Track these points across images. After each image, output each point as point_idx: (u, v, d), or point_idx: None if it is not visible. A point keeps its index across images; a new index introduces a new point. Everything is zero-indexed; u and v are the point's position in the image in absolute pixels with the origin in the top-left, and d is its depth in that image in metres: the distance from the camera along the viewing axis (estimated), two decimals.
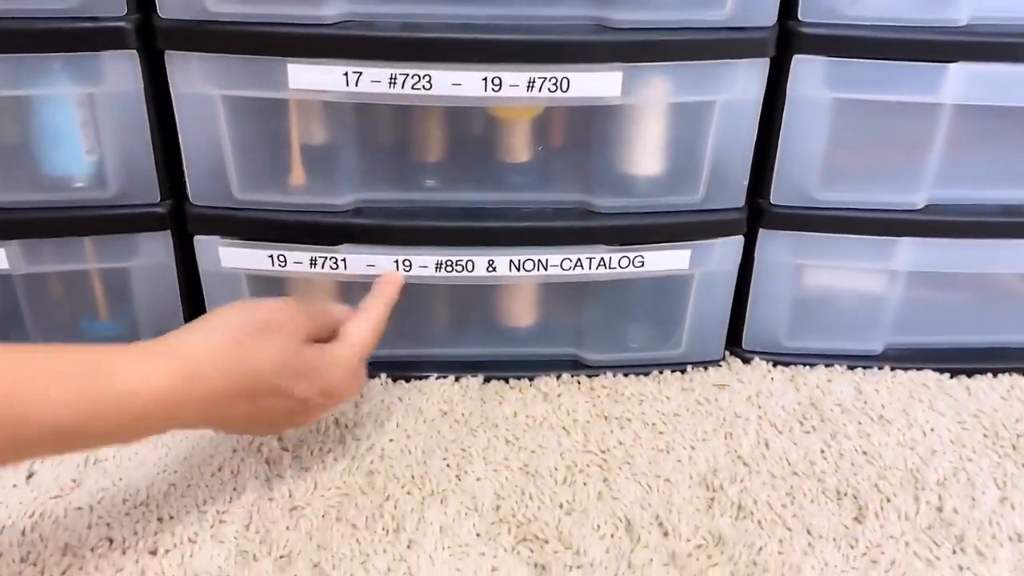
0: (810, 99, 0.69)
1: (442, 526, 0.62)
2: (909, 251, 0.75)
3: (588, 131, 0.71)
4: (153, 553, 0.60)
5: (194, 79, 0.66)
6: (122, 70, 0.66)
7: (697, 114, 0.69)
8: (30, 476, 0.66)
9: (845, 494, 0.67)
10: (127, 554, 0.60)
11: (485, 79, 0.64)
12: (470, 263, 0.72)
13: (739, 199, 0.73)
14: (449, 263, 0.72)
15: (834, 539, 0.63)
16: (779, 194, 0.74)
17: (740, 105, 0.69)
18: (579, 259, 0.71)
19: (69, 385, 0.49)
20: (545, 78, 0.65)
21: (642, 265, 0.72)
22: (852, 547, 0.62)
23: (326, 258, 0.71)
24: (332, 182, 0.71)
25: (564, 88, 0.65)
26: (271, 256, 0.72)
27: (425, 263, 0.71)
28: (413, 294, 0.70)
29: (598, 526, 0.62)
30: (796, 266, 0.78)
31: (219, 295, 0.74)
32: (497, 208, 0.73)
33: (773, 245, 0.76)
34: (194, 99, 0.67)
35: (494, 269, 0.72)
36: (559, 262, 0.72)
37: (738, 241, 0.74)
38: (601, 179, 0.72)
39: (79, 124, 0.69)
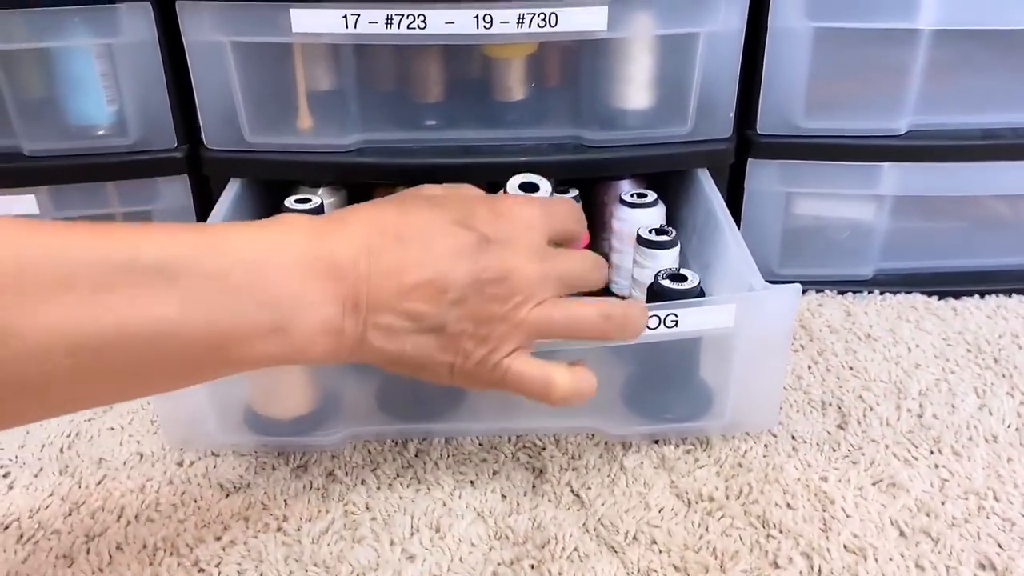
0: (791, 29, 0.72)
1: None
2: (893, 176, 0.78)
3: (579, 68, 0.74)
4: (180, 464, 0.65)
5: (204, 27, 0.70)
6: (137, 21, 0.70)
7: (682, 47, 0.72)
8: None
9: (830, 404, 0.70)
10: (156, 466, 0.65)
11: (476, 16, 0.68)
12: None
13: (727, 130, 0.76)
14: None
15: (817, 443, 0.66)
16: (765, 124, 0.77)
17: (723, 36, 0.72)
18: None
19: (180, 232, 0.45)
20: (534, 14, 0.68)
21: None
22: (834, 450, 0.66)
23: None
24: (337, 124, 0.75)
25: (553, 23, 0.68)
26: None
27: None
28: None
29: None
30: (785, 194, 0.81)
31: None
32: (495, 145, 0.76)
33: (761, 174, 0.79)
34: (205, 47, 0.71)
35: None
36: None
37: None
38: (593, 114, 0.75)
39: (99, 74, 0.73)
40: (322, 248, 0.48)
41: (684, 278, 0.63)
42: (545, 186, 0.60)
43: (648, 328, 0.59)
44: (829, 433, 0.67)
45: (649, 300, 0.64)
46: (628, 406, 0.66)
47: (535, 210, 0.55)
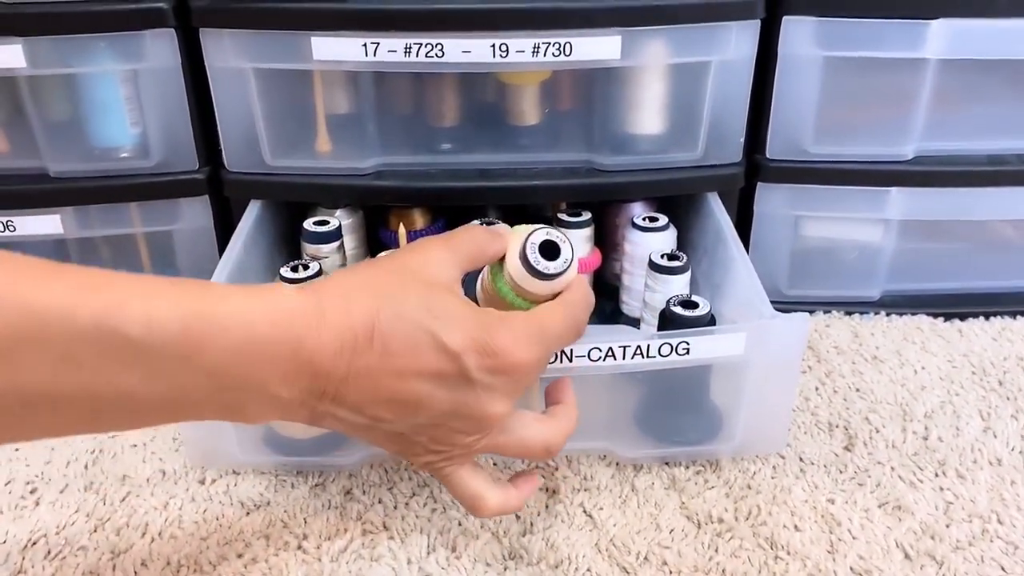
0: (801, 57, 0.74)
1: None
2: (900, 200, 0.80)
3: (592, 94, 0.76)
4: (202, 482, 0.66)
5: (227, 54, 0.72)
6: (161, 47, 0.72)
7: (694, 75, 0.74)
8: None
9: (837, 426, 0.72)
10: (178, 484, 0.66)
11: (493, 46, 0.69)
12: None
13: (737, 155, 0.78)
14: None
15: (824, 465, 0.68)
16: (775, 149, 0.78)
17: (734, 65, 0.73)
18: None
19: (171, 297, 0.43)
20: (549, 43, 0.70)
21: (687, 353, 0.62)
22: (841, 472, 0.67)
23: None
24: (355, 147, 0.77)
25: (567, 52, 0.70)
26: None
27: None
28: None
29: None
30: (794, 217, 0.82)
31: None
32: (509, 168, 0.78)
33: (771, 198, 0.81)
34: (227, 73, 0.73)
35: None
36: None
37: None
38: (606, 139, 0.77)
39: (124, 98, 0.75)
40: (302, 348, 0.46)
41: (695, 304, 0.65)
42: (566, 252, 0.54)
43: (660, 355, 0.60)
44: (836, 455, 0.69)
45: (661, 325, 0.66)
46: (640, 429, 0.67)
47: (530, 355, 0.51)
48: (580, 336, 0.55)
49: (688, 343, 0.61)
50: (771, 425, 0.67)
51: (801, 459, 0.68)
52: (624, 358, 0.61)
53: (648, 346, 0.61)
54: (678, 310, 0.65)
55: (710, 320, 0.65)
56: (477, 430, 0.52)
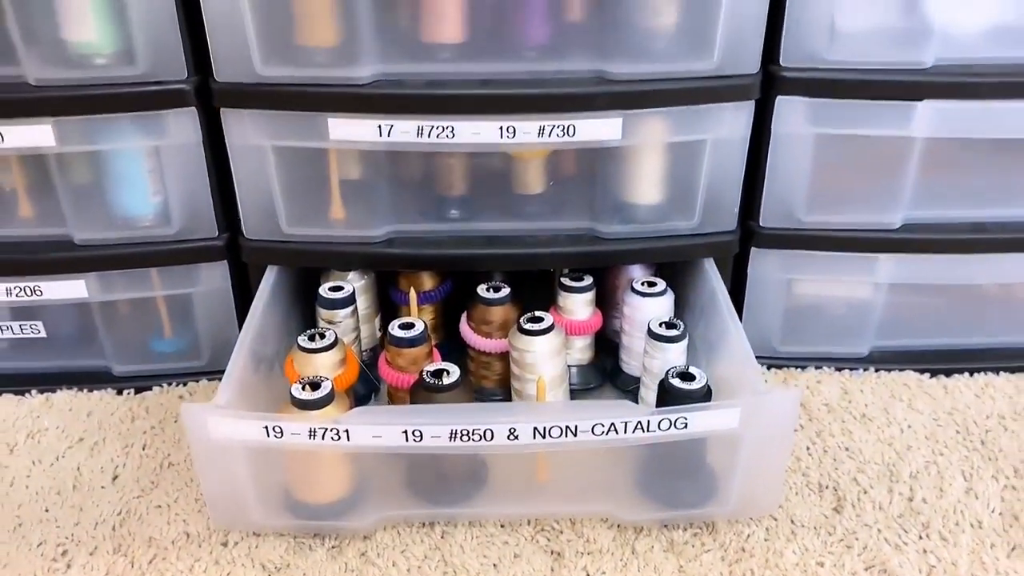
0: (793, 135, 0.77)
1: None
2: (889, 266, 0.83)
3: (594, 167, 0.79)
4: (224, 544, 0.70)
5: (247, 132, 0.75)
6: (183, 125, 0.76)
7: (690, 151, 0.77)
8: (115, 478, 0.77)
9: (826, 487, 0.75)
10: (202, 546, 0.70)
11: (501, 128, 0.73)
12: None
13: (731, 223, 0.82)
14: None
15: (814, 527, 0.71)
16: (768, 218, 0.82)
17: (729, 142, 0.77)
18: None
19: None
20: (554, 125, 0.73)
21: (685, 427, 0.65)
22: (830, 534, 0.71)
23: None
24: (368, 216, 0.80)
25: (571, 133, 0.74)
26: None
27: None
28: None
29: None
30: (786, 280, 0.86)
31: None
32: (515, 235, 0.81)
33: (764, 262, 0.84)
34: (246, 149, 0.76)
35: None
36: None
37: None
38: (607, 208, 0.81)
39: (146, 171, 0.78)
40: None
41: (692, 377, 0.69)
42: None
43: (660, 430, 0.64)
44: (826, 516, 0.72)
45: (659, 396, 0.69)
46: (640, 493, 0.71)
47: None
48: None
49: (686, 419, 0.64)
50: (764, 489, 0.71)
51: (792, 521, 0.72)
52: (626, 432, 0.65)
53: (648, 422, 0.64)
54: (676, 382, 0.68)
55: (706, 393, 0.68)
56: None
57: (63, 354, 0.88)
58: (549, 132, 0.73)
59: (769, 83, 0.75)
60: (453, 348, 0.85)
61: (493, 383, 0.82)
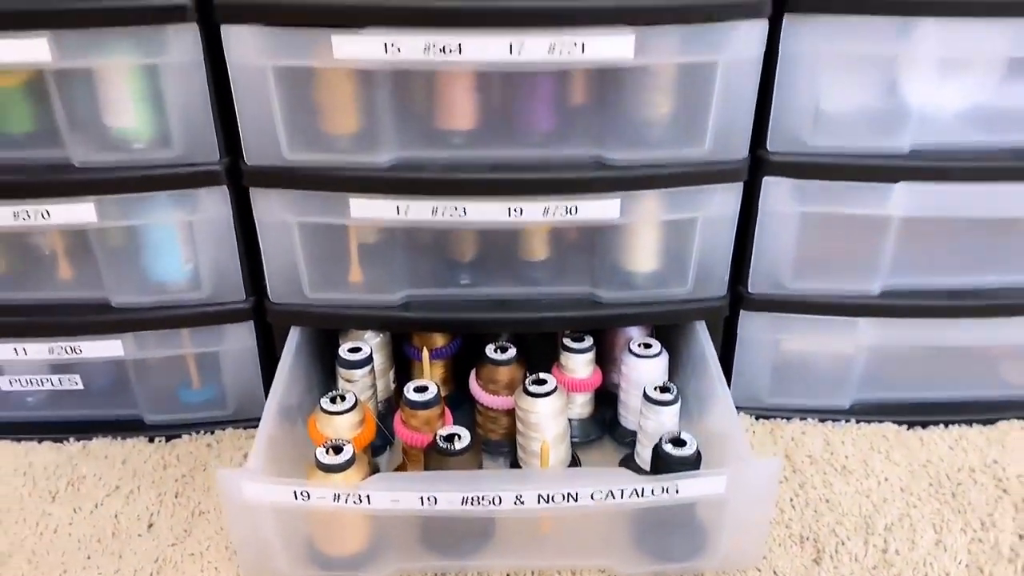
0: (779, 212, 0.83)
1: None
2: (869, 329, 0.90)
3: (595, 238, 0.85)
4: None
5: (273, 209, 0.81)
6: (215, 201, 0.82)
7: (683, 227, 0.83)
8: (150, 526, 0.83)
9: (807, 539, 0.82)
10: None
11: (509, 208, 0.79)
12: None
13: (722, 289, 0.88)
14: None
15: None
16: (756, 284, 0.88)
17: (719, 219, 0.83)
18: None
19: None
20: (557, 206, 0.79)
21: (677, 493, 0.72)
22: None
23: None
24: (384, 282, 0.86)
25: (573, 213, 0.80)
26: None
27: None
28: None
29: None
30: (774, 339, 0.92)
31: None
32: (522, 299, 0.88)
33: (753, 323, 0.90)
34: (273, 224, 0.82)
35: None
36: None
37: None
38: (606, 275, 0.87)
39: (180, 242, 0.84)
40: None
41: (684, 443, 0.75)
42: None
43: (653, 495, 0.71)
44: (806, 567, 0.79)
45: (653, 460, 0.76)
46: (636, 548, 0.77)
47: None
48: None
49: (678, 486, 0.71)
50: (749, 544, 0.77)
51: (775, 572, 0.78)
52: (623, 498, 0.71)
53: (643, 489, 0.71)
54: (668, 448, 0.74)
55: (696, 458, 0.75)
56: None
57: (98, 404, 0.94)
58: (553, 212, 0.79)
59: (757, 166, 0.81)
60: (463, 399, 0.91)
61: (500, 436, 0.89)
